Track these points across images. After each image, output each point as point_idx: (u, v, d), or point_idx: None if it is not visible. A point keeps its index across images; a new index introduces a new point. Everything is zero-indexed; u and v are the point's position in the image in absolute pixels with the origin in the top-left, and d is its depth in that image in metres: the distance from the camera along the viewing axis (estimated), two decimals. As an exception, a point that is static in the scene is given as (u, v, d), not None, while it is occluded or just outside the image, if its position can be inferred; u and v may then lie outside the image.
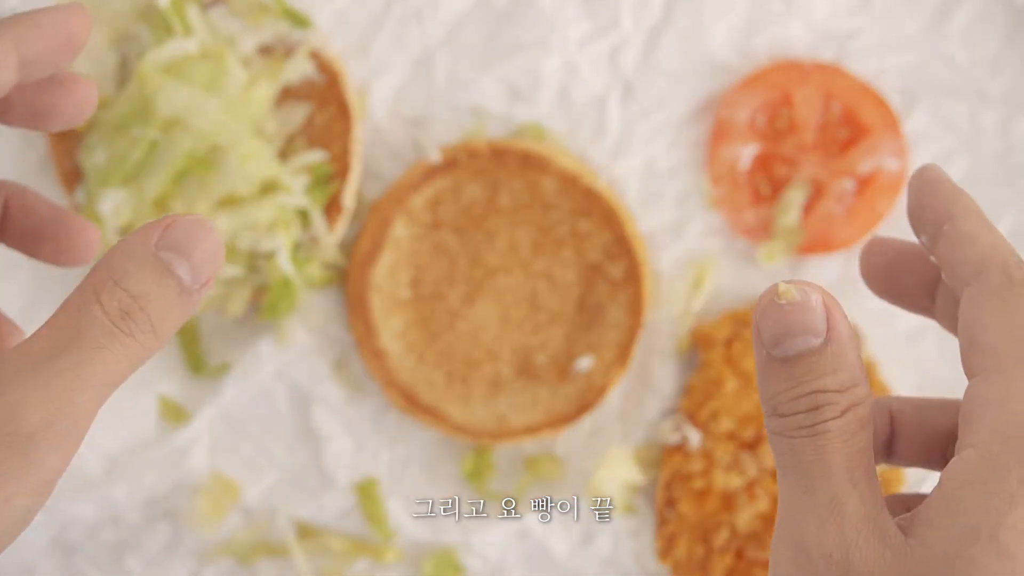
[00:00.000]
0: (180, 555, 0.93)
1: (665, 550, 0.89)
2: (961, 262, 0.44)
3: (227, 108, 0.81)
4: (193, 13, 0.82)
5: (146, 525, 0.92)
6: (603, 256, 0.89)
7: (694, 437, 0.88)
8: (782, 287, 0.42)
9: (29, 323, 0.91)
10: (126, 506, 0.91)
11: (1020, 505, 0.37)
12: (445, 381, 0.90)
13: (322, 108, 0.87)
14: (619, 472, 0.89)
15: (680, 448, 0.88)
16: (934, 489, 0.40)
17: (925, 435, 0.48)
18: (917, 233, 0.48)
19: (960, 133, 0.90)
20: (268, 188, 0.84)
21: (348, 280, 0.90)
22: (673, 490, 0.88)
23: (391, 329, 0.90)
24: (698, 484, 0.88)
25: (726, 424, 0.88)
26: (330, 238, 0.87)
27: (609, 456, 0.89)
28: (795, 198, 0.87)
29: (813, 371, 0.40)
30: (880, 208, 0.88)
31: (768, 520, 0.88)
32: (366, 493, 0.91)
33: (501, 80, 0.90)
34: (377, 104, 0.91)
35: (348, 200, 0.87)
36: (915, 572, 0.38)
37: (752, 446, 0.88)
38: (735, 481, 0.87)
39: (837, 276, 0.90)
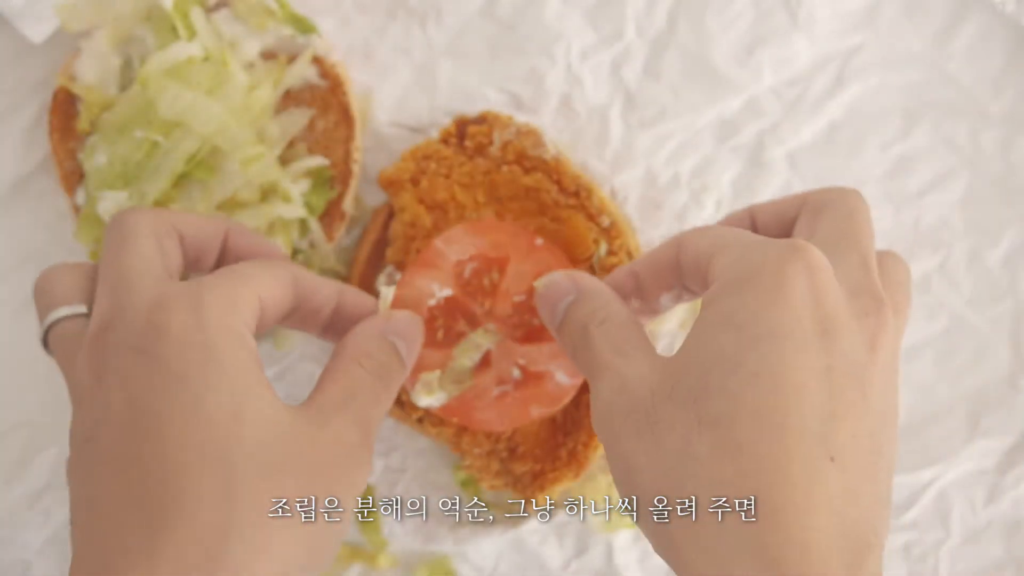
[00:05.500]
0: (172, 558, 0.92)
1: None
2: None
3: (229, 112, 0.81)
4: (197, 16, 0.82)
5: (139, 528, 0.91)
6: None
7: None
8: (537, 283, 0.73)
9: (29, 322, 0.91)
10: (119, 508, 0.90)
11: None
12: (441, 389, 0.90)
13: (324, 114, 0.87)
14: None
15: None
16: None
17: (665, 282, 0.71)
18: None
19: (960, 152, 0.90)
20: (268, 193, 0.84)
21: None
22: None
23: (388, 336, 0.90)
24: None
25: None
26: (328, 245, 0.87)
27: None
28: (481, 344, 0.81)
29: (577, 312, 0.69)
30: (531, 413, 0.82)
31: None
32: (360, 500, 0.91)
33: (504, 89, 0.90)
34: (379, 111, 0.91)
35: (348, 206, 0.87)
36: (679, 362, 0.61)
37: None
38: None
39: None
